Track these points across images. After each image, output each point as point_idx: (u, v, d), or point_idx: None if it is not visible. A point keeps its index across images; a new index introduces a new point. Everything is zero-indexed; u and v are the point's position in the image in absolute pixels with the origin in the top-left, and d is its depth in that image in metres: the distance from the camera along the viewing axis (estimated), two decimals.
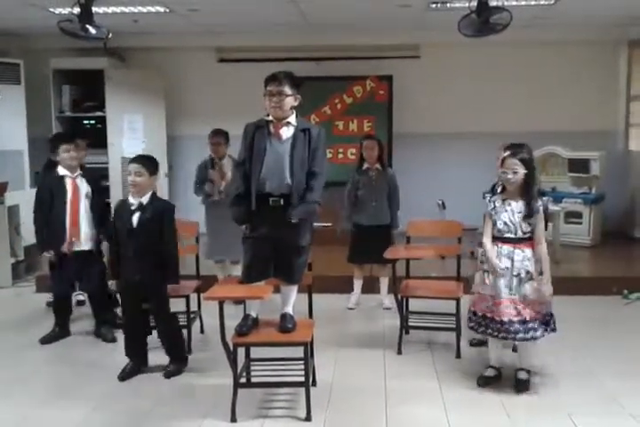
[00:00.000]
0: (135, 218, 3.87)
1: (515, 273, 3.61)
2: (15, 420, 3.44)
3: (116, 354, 4.16)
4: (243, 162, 3.51)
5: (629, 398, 3.58)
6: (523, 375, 3.73)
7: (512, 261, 3.62)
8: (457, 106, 7.79)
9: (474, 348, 4.36)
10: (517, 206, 3.66)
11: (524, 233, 3.64)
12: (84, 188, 4.58)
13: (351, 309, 5.40)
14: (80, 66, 7.53)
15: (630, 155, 7.71)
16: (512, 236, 3.65)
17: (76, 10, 5.19)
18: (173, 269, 3.97)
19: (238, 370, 3.46)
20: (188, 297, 4.37)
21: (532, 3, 6.16)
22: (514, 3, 5.96)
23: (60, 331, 4.70)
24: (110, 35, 5.38)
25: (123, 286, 3.98)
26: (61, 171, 4.55)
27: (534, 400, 3.60)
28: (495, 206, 3.71)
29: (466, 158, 7.67)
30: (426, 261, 5.31)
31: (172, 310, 4.11)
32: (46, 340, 4.61)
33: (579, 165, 7.14)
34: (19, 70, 7.05)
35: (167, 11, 6.39)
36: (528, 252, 3.64)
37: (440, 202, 6.74)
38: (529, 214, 3.62)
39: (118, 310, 4.44)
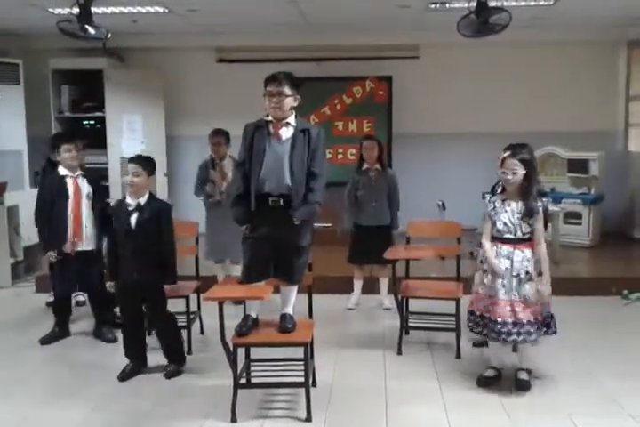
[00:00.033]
0: (133, 219, 3.87)
1: (514, 274, 3.61)
2: (15, 420, 3.44)
3: (116, 354, 4.16)
4: (243, 162, 3.52)
5: (629, 398, 3.58)
6: (523, 376, 3.74)
7: (511, 261, 3.62)
8: (456, 106, 7.79)
9: (476, 348, 4.36)
10: (517, 207, 3.65)
11: (524, 234, 3.64)
12: (86, 188, 4.58)
13: (351, 309, 5.39)
14: (79, 66, 7.52)
15: (629, 155, 7.71)
16: (511, 236, 3.65)
17: (76, 10, 5.19)
18: (171, 270, 3.97)
19: (238, 370, 3.46)
20: (187, 298, 4.37)
21: (532, 3, 6.16)
22: (513, 3, 5.96)
23: (60, 331, 4.71)
24: (109, 35, 5.39)
25: (121, 287, 3.98)
26: (62, 171, 4.55)
27: (534, 401, 3.60)
28: (495, 207, 3.71)
29: (465, 159, 7.68)
30: (425, 262, 5.31)
31: (172, 310, 4.11)
32: (46, 340, 4.61)
33: (578, 166, 7.14)
34: (18, 70, 7.04)
35: (166, 11, 6.39)
36: (527, 252, 3.64)
37: (440, 203, 6.73)
38: (528, 215, 3.62)
39: (118, 311, 4.44)
